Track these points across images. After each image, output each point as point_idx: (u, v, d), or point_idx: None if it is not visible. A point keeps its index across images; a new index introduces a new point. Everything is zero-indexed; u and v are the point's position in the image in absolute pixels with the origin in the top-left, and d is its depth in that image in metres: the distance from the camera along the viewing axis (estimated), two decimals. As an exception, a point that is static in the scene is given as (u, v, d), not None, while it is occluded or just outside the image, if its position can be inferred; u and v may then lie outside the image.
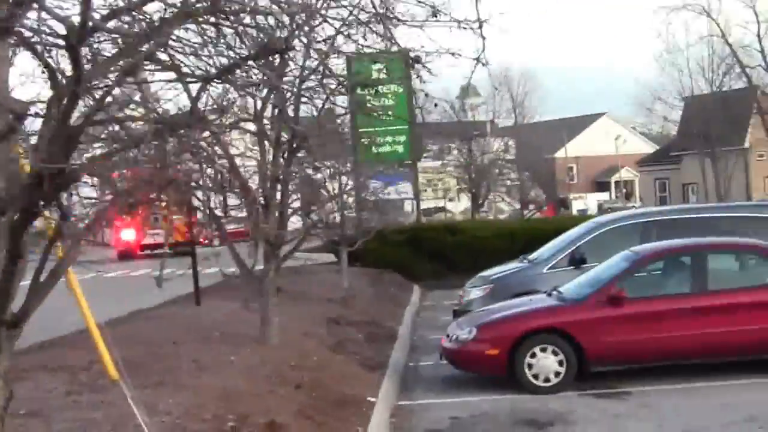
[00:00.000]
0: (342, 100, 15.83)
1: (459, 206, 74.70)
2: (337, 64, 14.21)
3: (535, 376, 13.46)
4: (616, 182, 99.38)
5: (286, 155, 13.96)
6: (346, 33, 11.97)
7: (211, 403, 10.24)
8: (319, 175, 17.61)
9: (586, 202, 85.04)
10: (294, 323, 16.69)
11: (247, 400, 10.67)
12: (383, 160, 32.17)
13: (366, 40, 10.59)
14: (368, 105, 26.88)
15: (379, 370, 14.53)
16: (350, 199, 25.56)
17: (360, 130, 28.58)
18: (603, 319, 13.60)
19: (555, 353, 13.47)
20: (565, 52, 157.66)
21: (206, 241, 28.78)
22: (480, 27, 7.78)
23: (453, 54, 9.77)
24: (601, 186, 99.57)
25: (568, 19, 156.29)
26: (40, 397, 10.52)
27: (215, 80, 5.65)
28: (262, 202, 14.28)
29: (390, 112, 29.02)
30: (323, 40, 13.15)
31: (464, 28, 8.52)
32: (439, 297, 26.34)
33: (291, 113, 13.99)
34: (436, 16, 8.95)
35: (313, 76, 13.34)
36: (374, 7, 9.38)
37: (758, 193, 64.14)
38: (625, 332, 13.55)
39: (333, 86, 13.79)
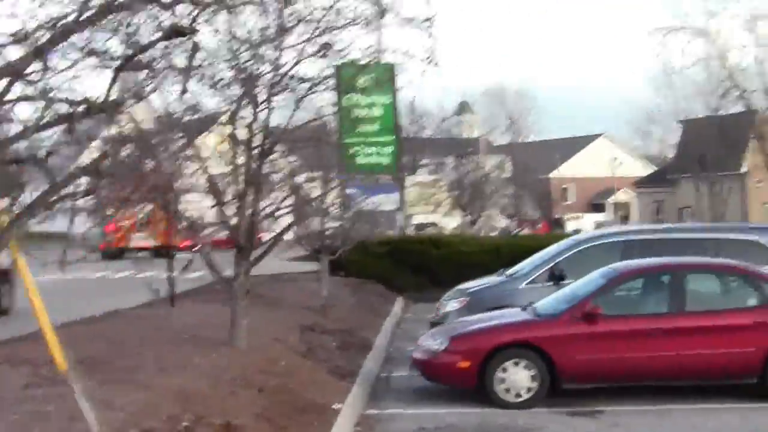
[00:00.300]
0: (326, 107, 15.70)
1: (452, 223, 74.67)
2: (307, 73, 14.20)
3: (506, 391, 13.38)
4: (612, 204, 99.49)
5: (257, 158, 13.93)
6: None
7: (169, 403, 10.17)
8: (299, 179, 17.52)
9: (581, 222, 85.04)
10: (266, 328, 16.62)
11: (206, 401, 10.61)
12: (368, 170, 32.11)
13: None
14: (355, 114, 27.06)
15: (349, 379, 14.47)
16: (333, 208, 25.53)
17: (346, 140, 28.65)
18: (577, 335, 13.54)
19: (527, 368, 13.39)
20: (562, 72, 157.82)
21: (188, 246, 28.81)
22: (429, 26, 7.78)
23: (404, 53, 9.77)
24: (597, 207, 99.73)
25: (565, 38, 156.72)
26: (-5, 389, 10.48)
27: (129, 65, 5.64)
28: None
29: (377, 125, 29.19)
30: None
31: (415, 27, 8.55)
32: (421, 310, 26.19)
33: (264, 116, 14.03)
34: (383, 16, 8.95)
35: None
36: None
37: (755, 219, 64.03)
38: (599, 350, 13.48)
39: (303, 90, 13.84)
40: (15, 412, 9.27)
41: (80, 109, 5.63)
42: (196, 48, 8.82)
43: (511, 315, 14.76)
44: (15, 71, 5.12)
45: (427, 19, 7.80)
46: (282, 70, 13.62)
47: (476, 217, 69.45)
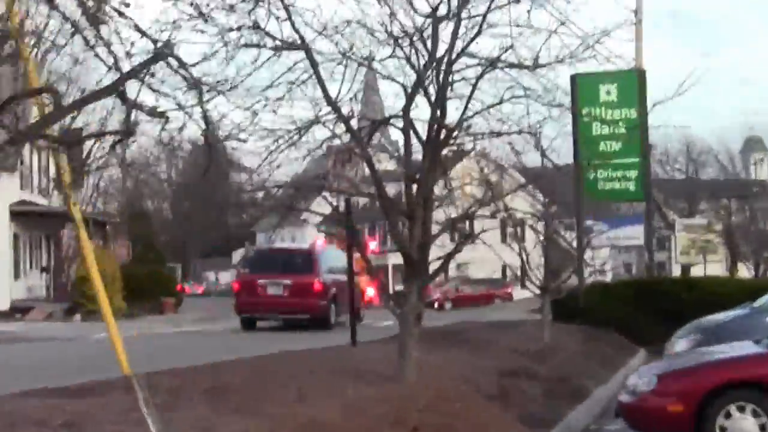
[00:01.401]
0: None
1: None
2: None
3: (729, 443, 12.03)
4: None
5: (431, 154, 13.12)
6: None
7: (286, 432, 9.57)
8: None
9: None
10: (454, 368, 16.00)
11: (333, 432, 9.95)
12: (611, 198, 30.98)
13: None
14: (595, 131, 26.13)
15: (541, 428, 13.49)
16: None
17: (583, 162, 27.69)
18: None
19: (756, 414, 11.98)
20: None
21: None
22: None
23: None
24: None
25: None
26: (95, 413, 10.18)
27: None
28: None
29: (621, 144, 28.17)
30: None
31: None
32: (668, 364, 24.84)
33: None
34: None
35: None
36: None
37: None
38: None
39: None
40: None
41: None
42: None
43: (738, 348, 13.40)
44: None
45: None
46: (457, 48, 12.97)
47: (765, 269, 67.17)
